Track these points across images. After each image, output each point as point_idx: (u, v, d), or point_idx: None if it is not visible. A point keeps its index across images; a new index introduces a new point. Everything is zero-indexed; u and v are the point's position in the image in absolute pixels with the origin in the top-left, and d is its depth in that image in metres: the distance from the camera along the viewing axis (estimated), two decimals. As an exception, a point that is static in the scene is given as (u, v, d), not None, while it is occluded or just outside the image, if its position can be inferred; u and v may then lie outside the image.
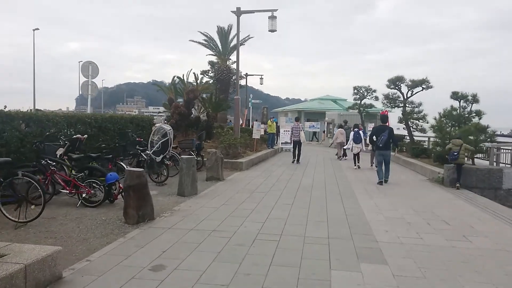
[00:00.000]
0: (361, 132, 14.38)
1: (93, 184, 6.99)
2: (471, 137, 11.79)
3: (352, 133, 14.49)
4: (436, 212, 7.25)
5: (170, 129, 9.57)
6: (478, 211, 7.47)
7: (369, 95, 26.65)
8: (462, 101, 13.14)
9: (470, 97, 12.95)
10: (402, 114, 17.52)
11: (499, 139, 16.75)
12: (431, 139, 16.77)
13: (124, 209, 6.01)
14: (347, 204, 7.76)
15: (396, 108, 17.99)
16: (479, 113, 12.78)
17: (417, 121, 17.12)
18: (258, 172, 12.42)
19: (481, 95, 13.09)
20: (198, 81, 17.51)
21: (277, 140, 23.76)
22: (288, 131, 21.46)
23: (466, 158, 10.46)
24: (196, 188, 8.63)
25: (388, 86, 17.84)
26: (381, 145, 10.17)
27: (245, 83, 35.16)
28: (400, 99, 17.89)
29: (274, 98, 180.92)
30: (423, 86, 17.22)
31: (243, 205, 7.44)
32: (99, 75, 13.22)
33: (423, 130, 17.19)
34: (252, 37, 30.80)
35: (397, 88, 17.75)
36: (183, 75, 17.69)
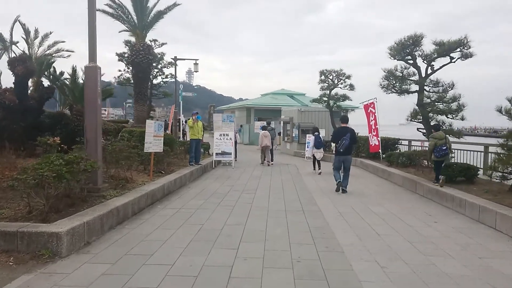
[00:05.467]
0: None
1: None
2: None
3: (312, 137, 13.45)
4: None
5: None
6: None
7: (341, 83, 19.23)
8: None
9: None
10: (417, 104, 9.96)
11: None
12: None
13: None
14: None
15: (404, 94, 10.36)
16: None
17: (445, 116, 9.59)
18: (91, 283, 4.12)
19: None
20: (34, 40, 8.79)
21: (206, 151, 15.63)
22: (227, 134, 14.41)
23: None
24: None
25: (393, 56, 10.17)
26: (341, 149, 8.83)
27: (174, 70, 26.44)
28: (413, 78, 10.28)
29: (227, 99, 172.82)
30: (452, 56, 9.71)
31: None
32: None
33: (456, 134, 9.70)
34: (179, 4, 22.46)
35: (408, 59, 10.14)
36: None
